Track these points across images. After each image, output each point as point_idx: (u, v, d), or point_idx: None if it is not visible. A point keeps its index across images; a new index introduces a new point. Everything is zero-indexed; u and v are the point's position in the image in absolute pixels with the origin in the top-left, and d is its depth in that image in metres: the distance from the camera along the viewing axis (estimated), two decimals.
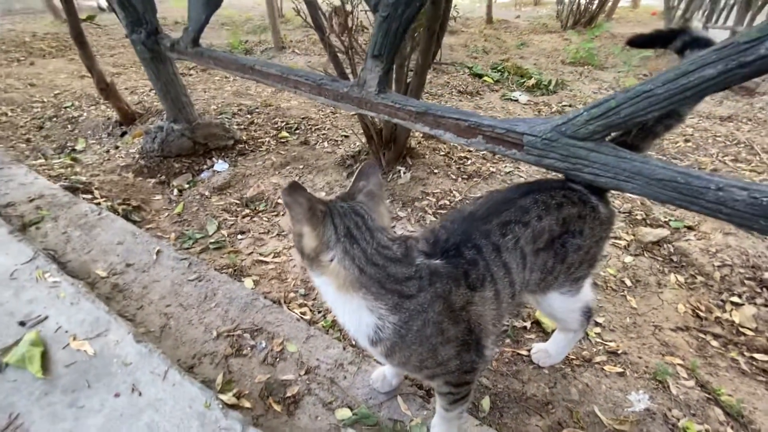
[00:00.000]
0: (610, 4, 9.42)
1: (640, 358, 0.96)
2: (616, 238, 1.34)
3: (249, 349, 0.93)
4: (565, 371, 0.93)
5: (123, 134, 2.42)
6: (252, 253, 1.40)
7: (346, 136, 2.12)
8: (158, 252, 1.18)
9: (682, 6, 5.48)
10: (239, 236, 1.50)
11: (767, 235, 0.99)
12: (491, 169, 1.71)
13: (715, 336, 1.00)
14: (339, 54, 1.53)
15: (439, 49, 1.27)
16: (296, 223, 0.56)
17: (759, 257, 1.19)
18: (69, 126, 2.55)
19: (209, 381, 0.85)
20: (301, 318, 1.06)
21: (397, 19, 0.88)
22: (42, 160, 2.13)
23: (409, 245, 0.61)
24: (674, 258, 1.24)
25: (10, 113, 2.67)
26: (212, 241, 1.46)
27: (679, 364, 0.93)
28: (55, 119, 2.62)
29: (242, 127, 2.24)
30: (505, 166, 1.74)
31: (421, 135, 1.99)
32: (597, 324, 1.05)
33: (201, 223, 1.58)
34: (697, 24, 5.18)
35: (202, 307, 1.03)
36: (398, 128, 1.62)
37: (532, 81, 3.12)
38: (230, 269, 1.28)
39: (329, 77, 1.10)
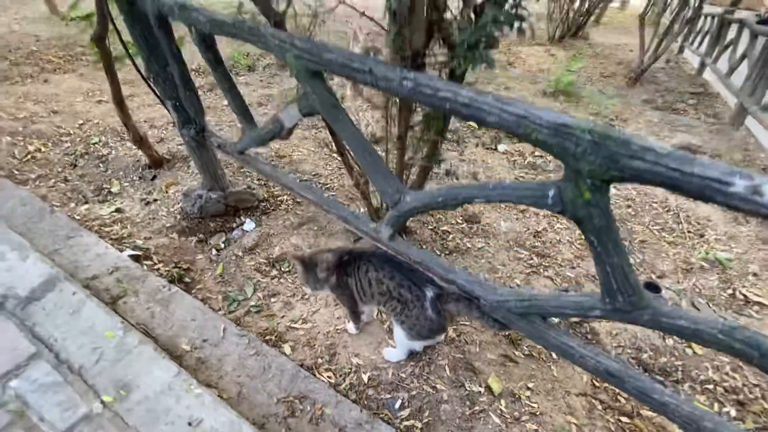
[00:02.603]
0: (598, 10, 9.65)
1: (551, 417, 1.48)
2: None
3: (299, 411, 1.41)
4: (501, 427, 1.45)
5: (153, 178, 2.76)
6: (284, 317, 1.85)
7: (351, 199, 2.54)
8: (224, 329, 1.63)
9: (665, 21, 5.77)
10: (272, 299, 1.95)
11: None
12: (467, 244, 2.18)
13: (601, 401, 1.54)
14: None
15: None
16: None
17: (643, 340, 1.73)
18: (101, 165, 2.86)
19: None
20: (329, 383, 1.54)
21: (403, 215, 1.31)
22: (87, 206, 2.48)
23: None
24: (588, 336, 1.77)
25: (43, 149, 2.95)
26: (252, 304, 1.90)
27: (573, 423, 1.47)
28: (86, 156, 2.92)
29: (262, 182, 2.62)
30: (478, 242, 2.22)
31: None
32: (528, 388, 1.57)
33: (239, 284, 2.01)
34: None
35: (263, 377, 1.49)
36: None
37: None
38: (271, 335, 1.74)
39: (353, 213, 1.53)
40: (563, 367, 1.65)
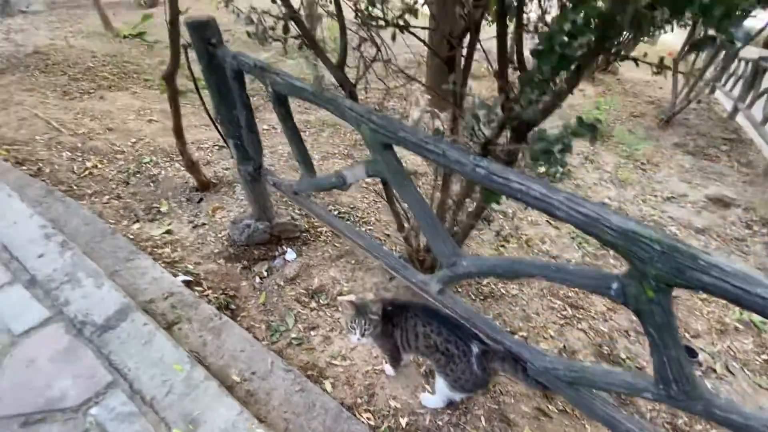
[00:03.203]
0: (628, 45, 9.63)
1: None
2: None
3: None
4: None
5: (200, 200, 2.91)
6: (324, 351, 1.93)
7: (387, 235, 2.63)
8: (272, 363, 1.71)
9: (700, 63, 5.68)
10: (312, 332, 2.03)
11: None
12: (502, 290, 2.24)
13: None
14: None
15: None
16: None
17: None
18: (151, 184, 3.03)
19: None
20: (369, 425, 1.60)
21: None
22: (138, 225, 2.64)
23: None
24: (622, 396, 1.79)
25: (99, 165, 3.14)
26: (293, 336, 1.99)
27: None
28: (138, 174, 3.10)
29: (303, 213, 2.74)
30: (513, 288, 2.27)
31: None
32: None
33: (281, 314, 2.11)
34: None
35: (308, 415, 1.57)
36: None
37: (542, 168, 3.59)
38: (312, 370, 1.82)
39: (402, 263, 1.62)
40: (597, 427, 1.68)
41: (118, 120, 3.77)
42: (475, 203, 1.63)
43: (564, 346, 1.99)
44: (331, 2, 1.31)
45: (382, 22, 1.24)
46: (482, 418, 1.66)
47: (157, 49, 5.56)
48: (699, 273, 0.77)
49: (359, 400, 1.71)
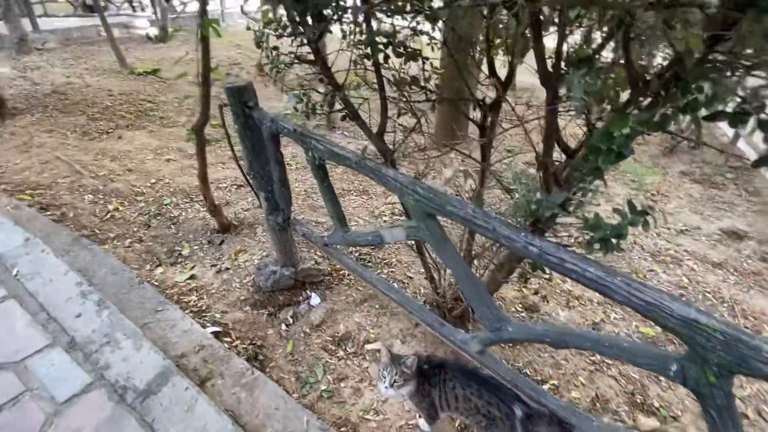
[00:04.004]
0: None
1: None
2: (620, 420, 1.87)
3: None
4: None
5: (221, 243, 2.94)
6: (354, 404, 1.92)
7: (410, 278, 2.65)
8: (307, 422, 1.70)
9: None
10: (341, 383, 2.02)
11: None
12: None
13: None
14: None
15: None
16: None
17: None
18: (172, 227, 3.07)
19: None
20: None
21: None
22: (161, 269, 2.66)
23: None
24: None
25: (120, 208, 3.19)
26: (323, 388, 1.98)
27: None
28: (159, 216, 3.14)
29: (324, 256, 2.76)
30: None
31: None
32: None
33: (309, 364, 2.10)
34: None
35: None
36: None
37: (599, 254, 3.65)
38: (345, 426, 1.80)
39: (438, 320, 1.63)
40: None
41: (137, 160, 3.84)
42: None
43: (596, 395, 1.98)
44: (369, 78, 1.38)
45: (422, 95, 1.29)
46: None
47: (171, 86, 5.70)
48: (762, 364, 0.79)
49: None
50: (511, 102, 1.41)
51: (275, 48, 1.33)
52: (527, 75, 1.52)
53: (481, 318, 1.36)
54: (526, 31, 1.07)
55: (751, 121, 0.83)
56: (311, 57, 1.28)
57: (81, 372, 1.50)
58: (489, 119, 1.36)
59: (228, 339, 2.13)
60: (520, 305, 2.46)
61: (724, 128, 6.68)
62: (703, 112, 0.83)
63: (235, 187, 3.60)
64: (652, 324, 2.44)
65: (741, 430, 0.93)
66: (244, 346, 2.12)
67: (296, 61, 1.29)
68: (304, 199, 3.51)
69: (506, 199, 3.28)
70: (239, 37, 8.78)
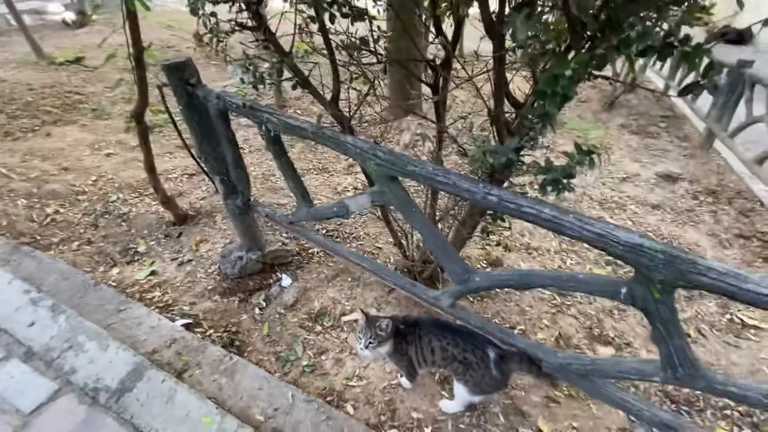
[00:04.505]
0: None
1: None
2: (582, 352, 2.05)
3: None
4: None
5: (179, 235, 2.81)
6: (338, 374, 1.96)
7: (379, 248, 2.69)
8: (293, 396, 1.72)
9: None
10: (322, 356, 2.05)
11: None
12: (495, 289, 2.37)
13: None
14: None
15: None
16: None
17: None
18: (123, 224, 2.89)
19: None
20: None
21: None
22: (117, 269, 2.52)
23: None
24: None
25: (61, 210, 2.95)
26: (305, 363, 1.99)
27: None
28: (107, 215, 2.94)
29: (291, 236, 2.73)
30: None
31: None
32: (573, 428, 1.74)
33: (288, 343, 2.11)
34: None
35: None
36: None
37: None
38: (331, 395, 1.84)
39: (411, 283, 1.68)
40: (601, 406, 1.83)
41: (72, 157, 3.54)
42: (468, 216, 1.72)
43: (559, 333, 2.14)
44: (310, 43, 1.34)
45: (373, 59, 1.28)
46: (499, 415, 1.77)
47: (99, 74, 5.22)
48: (699, 276, 0.90)
49: (383, 418, 1.76)
50: (460, 60, 1.44)
51: (213, 14, 1.25)
52: (474, 41, 1.54)
53: (450, 273, 1.42)
54: None
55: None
56: (253, 23, 1.22)
57: (45, 380, 1.42)
58: (441, 77, 1.38)
59: (200, 329, 2.08)
60: (485, 262, 2.58)
61: (656, 82, 7.13)
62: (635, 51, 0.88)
63: (186, 176, 3.43)
64: (604, 265, 2.66)
65: (684, 338, 1.05)
66: (219, 334, 2.08)
67: (237, 27, 1.23)
68: (263, 182, 3.41)
69: (464, 164, 3.37)
70: (170, 17, 8.13)
